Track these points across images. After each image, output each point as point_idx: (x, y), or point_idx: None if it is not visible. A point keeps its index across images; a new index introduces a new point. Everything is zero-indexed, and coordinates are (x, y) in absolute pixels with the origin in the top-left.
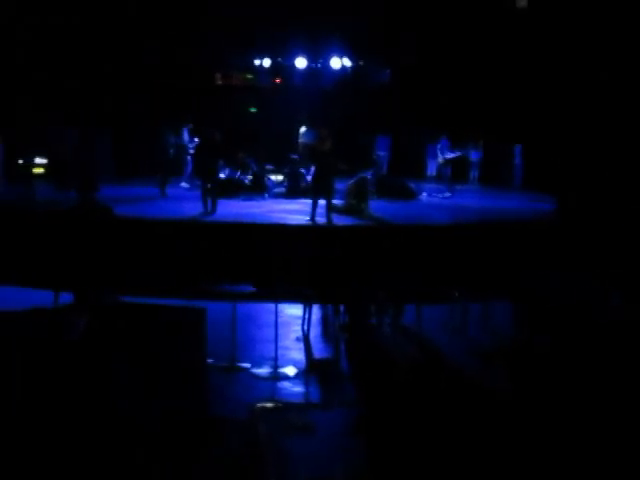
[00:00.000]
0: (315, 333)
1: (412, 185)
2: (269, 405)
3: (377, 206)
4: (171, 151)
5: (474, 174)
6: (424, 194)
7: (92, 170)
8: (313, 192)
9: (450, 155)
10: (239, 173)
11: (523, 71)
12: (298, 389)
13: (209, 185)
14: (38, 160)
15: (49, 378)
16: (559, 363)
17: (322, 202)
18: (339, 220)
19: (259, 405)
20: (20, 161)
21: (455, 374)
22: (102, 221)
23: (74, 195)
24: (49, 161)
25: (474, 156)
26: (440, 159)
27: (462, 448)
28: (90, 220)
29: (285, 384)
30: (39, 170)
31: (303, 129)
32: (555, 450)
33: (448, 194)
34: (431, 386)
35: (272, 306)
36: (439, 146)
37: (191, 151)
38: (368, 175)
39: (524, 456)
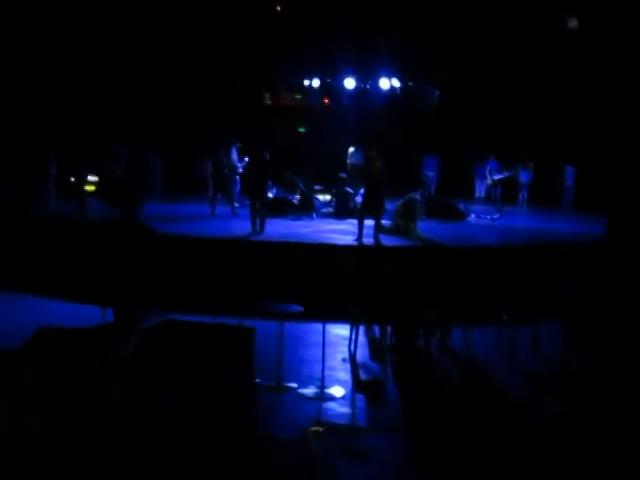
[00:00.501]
0: (362, 354)
1: (461, 206)
2: (321, 427)
3: (426, 227)
4: (225, 170)
5: (523, 195)
6: (473, 215)
7: (137, 187)
8: (362, 212)
9: (498, 176)
10: (287, 193)
11: (575, 92)
12: (344, 410)
13: (257, 204)
14: (90, 177)
15: (98, 396)
16: (610, 387)
17: (370, 223)
18: (387, 240)
19: (313, 427)
20: (72, 179)
21: (503, 397)
22: (143, 239)
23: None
24: (100, 178)
25: (524, 177)
26: (489, 180)
27: (514, 473)
28: (131, 237)
29: (332, 405)
30: (90, 187)
31: (352, 149)
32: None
33: (497, 215)
34: (479, 410)
35: (319, 326)
36: (488, 167)
37: (240, 170)
38: (417, 196)
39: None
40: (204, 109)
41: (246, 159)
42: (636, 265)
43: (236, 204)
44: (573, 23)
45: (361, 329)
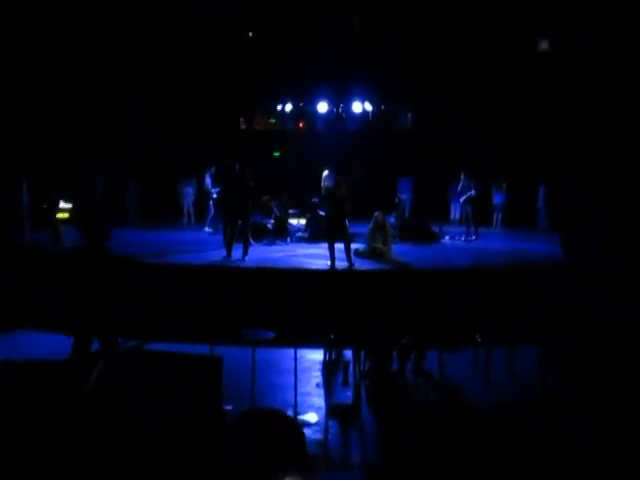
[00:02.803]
0: (336, 379)
1: (435, 228)
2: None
3: (400, 249)
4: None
5: (498, 216)
6: (447, 237)
7: (103, 219)
8: (328, 236)
9: (464, 196)
10: (262, 217)
11: (547, 112)
12: (318, 437)
13: (236, 229)
14: (62, 205)
15: (63, 430)
16: (586, 413)
17: (341, 246)
18: (361, 264)
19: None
20: (45, 206)
21: (479, 425)
22: (111, 266)
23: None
24: (73, 206)
25: (497, 199)
26: (461, 199)
27: None
28: (97, 266)
29: (305, 431)
30: (64, 215)
31: (325, 172)
32: None
33: (471, 237)
34: (455, 434)
35: (292, 352)
36: (459, 187)
37: (214, 196)
38: (390, 219)
39: None
40: (178, 134)
41: (219, 185)
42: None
43: (209, 229)
44: (544, 45)
45: (335, 354)
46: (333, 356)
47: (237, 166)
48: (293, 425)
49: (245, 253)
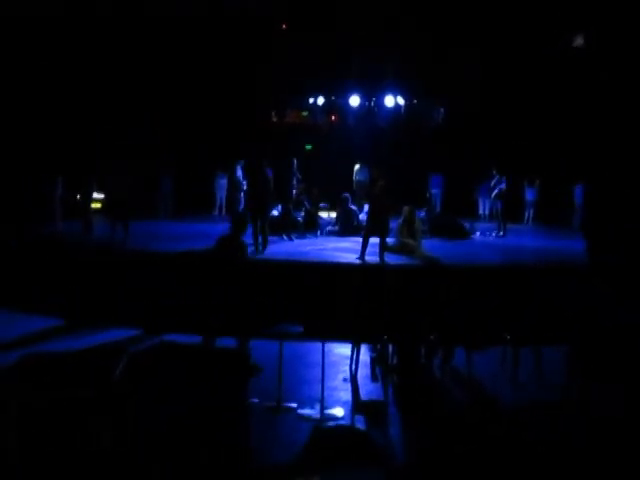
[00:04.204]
0: (363, 374)
1: (465, 224)
2: (310, 457)
3: (430, 245)
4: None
5: (529, 213)
6: (477, 233)
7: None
8: (367, 231)
9: (495, 192)
10: (292, 210)
11: (580, 109)
12: (342, 432)
13: (259, 222)
14: (96, 195)
15: (86, 426)
16: (615, 414)
17: (374, 241)
18: (391, 259)
19: (299, 457)
20: (78, 196)
21: (506, 424)
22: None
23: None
24: (106, 196)
25: (529, 196)
26: (493, 194)
27: None
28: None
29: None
30: (96, 205)
31: (357, 166)
32: None
33: (501, 233)
34: (480, 431)
35: (320, 346)
36: (492, 183)
37: (245, 188)
38: (421, 214)
39: None
40: (209, 127)
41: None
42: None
43: None
44: (579, 40)
45: (363, 349)
46: (361, 351)
47: (263, 162)
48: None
49: (264, 247)
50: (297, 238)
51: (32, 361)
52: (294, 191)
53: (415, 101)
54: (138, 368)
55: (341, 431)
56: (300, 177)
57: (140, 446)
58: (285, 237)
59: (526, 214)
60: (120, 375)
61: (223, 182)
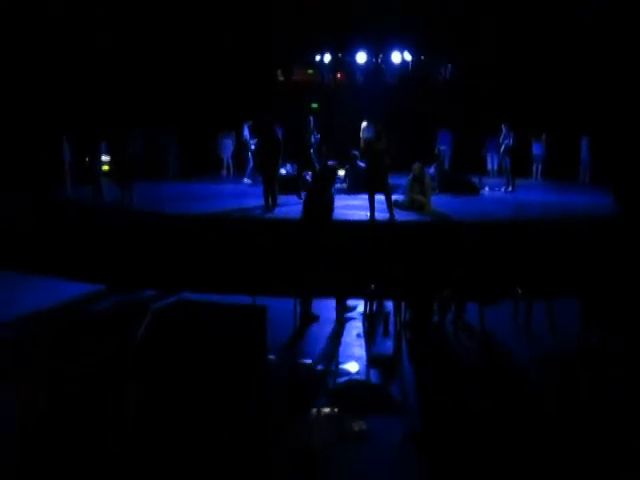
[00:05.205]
0: (377, 330)
1: (474, 179)
2: (323, 411)
3: (439, 201)
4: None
5: (537, 168)
6: (486, 188)
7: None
8: (368, 188)
9: (506, 142)
10: (301, 169)
11: (590, 62)
12: (357, 386)
13: (269, 181)
14: (104, 158)
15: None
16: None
17: (381, 197)
18: (401, 216)
19: (314, 410)
20: (87, 159)
21: (519, 380)
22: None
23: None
24: (112, 158)
25: (537, 150)
26: (501, 150)
27: (525, 456)
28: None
29: (345, 381)
30: (105, 168)
31: (364, 124)
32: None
33: (510, 188)
34: (493, 389)
35: (333, 302)
36: (500, 138)
37: (252, 147)
38: (430, 170)
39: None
40: (215, 88)
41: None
42: None
43: (248, 180)
44: None
45: (376, 305)
46: (374, 307)
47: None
48: None
49: (273, 204)
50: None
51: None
52: (312, 150)
53: (422, 57)
54: (162, 325)
55: (355, 385)
56: (319, 137)
57: (167, 398)
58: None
59: (534, 168)
60: (145, 332)
61: (228, 142)
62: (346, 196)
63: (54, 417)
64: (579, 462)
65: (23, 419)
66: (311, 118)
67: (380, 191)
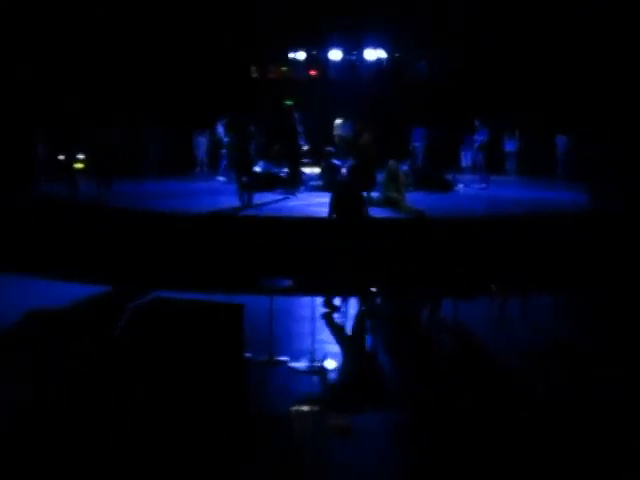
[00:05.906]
0: (353, 326)
1: (448, 176)
2: (306, 406)
3: (414, 198)
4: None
5: (511, 165)
6: (460, 185)
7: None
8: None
9: (480, 139)
10: (275, 167)
11: (567, 59)
12: (336, 383)
13: (244, 179)
14: (78, 156)
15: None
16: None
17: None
18: (376, 213)
19: (295, 406)
20: (61, 157)
21: (494, 371)
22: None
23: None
24: (87, 156)
25: (510, 147)
26: (475, 146)
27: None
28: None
29: (323, 378)
30: (79, 165)
31: (338, 121)
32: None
33: (484, 185)
34: (470, 381)
35: (310, 299)
36: (474, 135)
37: (226, 145)
38: (404, 167)
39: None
40: (189, 85)
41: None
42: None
43: (222, 178)
44: None
45: (352, 301)
46: (353, 304)
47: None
48: None
49: (250, 202)
50: (280, 194)
51: (37, 316)
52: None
53: (397, 54)
54: (140, 322)
55: (336, 381)
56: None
57: (144, 396)
58: (289, 195)
59: (507, 165)
60: (123, 329)
61: (202, 140)
62: (321, 193)
63: (37, 415)
64: (560, 452)
65: (6, 418)
66: (295, 114)
67: (368, 189)
